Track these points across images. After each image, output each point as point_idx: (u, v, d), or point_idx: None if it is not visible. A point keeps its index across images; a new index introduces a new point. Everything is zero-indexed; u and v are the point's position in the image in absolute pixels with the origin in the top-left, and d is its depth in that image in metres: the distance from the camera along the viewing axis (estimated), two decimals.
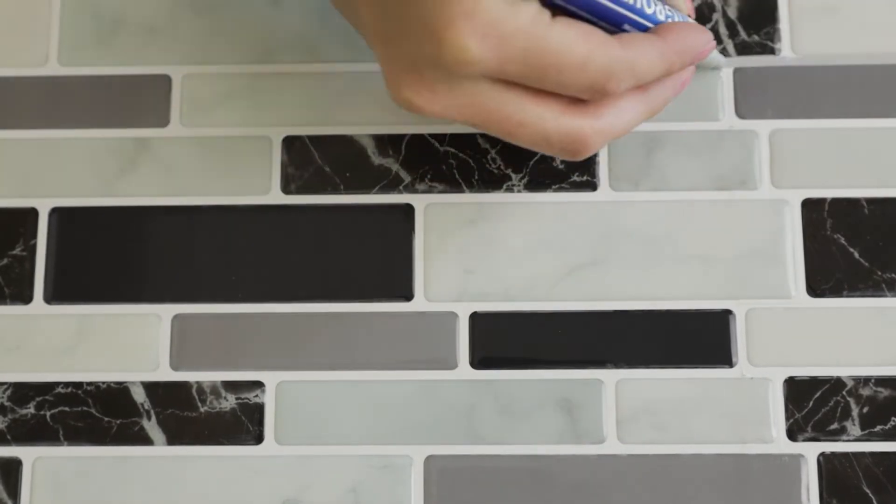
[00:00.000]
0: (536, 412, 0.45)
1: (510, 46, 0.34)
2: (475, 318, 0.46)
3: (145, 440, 0.45)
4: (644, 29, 0.39)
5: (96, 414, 0.46)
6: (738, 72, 0.47)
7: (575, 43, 0.34)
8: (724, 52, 0.48)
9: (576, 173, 0.47)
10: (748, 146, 0.47)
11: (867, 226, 0.46)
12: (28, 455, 0.45)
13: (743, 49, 0.48)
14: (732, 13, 0.48)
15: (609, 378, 0.45)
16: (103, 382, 0.46)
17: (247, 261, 0.47)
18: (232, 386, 0.46)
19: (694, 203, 0.47)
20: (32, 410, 0.46)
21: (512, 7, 0.34)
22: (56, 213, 0.47)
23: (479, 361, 0.46)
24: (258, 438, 0.45)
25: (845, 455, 0.45)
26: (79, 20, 0.49)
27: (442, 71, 0.35)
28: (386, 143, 0.47)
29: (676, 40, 0.38)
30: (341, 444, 0.45)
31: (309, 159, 0.47)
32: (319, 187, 0.47)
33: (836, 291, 0.46)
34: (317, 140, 0.48)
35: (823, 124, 0.47)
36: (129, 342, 0.46)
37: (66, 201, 0.47)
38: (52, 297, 0.47)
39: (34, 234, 0.47)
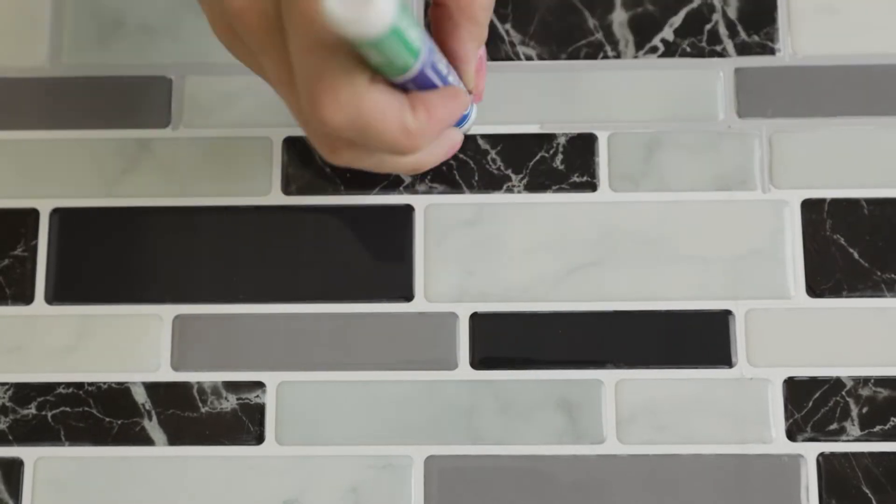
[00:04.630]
0: (536, 412, 0.45)
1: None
2: (475, 318, 0.46)
3: (146, 440, 0.46)
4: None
5: (97, 414, 0.46)
6: (738, 72, 0.47)
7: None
8: (724, 52, 0.48)
9: (576, 173, 0.47)
10: (748, 146, 0.47)
11: (867, 226, 0.46)
12: (29, 455, 0.46)
13: (743, 49, 0.48)
14: (732, 13, 0.48)
15: (609, 378, 0.45)
16: (104, 383, 0.46)
17: (247, 261, 0.47)
18: (232, 386, 0.46)
19: (694, 203, 0.47)
20: (34, 411, 0.46)
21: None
22: (57, 213, 0.47)
23: (479, 361, 0.46)
24: (259, 438, 0.45)
25: (845, 455, 0.45)
26: (79, 20, 0.49)
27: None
28: None
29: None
30: (341, 444, 0.45)
31: (309, 159, 0.47)
32: (319, 187, 0.47)
33: (835, 292, 0.46)
34: None
35: (823, 124, 0.47)
36: (130, 342, 0.46)
37: (66, 202, 0.47)
38: (54, 297, 0.47)
39: (35, 235, 0.47)
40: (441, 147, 0.43)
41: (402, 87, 0.37)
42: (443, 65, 0.38)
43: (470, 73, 0.42)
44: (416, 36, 0.35)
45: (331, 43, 0.35)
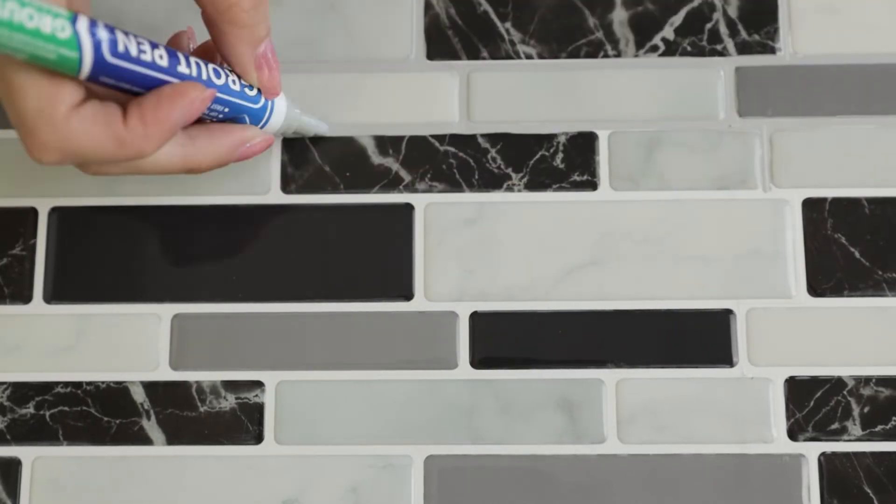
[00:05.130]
0: (536, 412, 0.45)
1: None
2: (475, 318, 0.46)
3: (145, 440, 0.45)
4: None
5: (96, 414, 0.46)
6: (738, 71, 0.47)
7: None
8: (724, 51, 0.48)
9: (576, 173, 0.47)
10: (749, 145, 0.47)
11: (868, 225, 0.46)
12: (27, 455, 0.45)
13: (743, 48, 0.48)
14: (733, 12, 0.48)
15: (609, 378, 0.45)
16: (103, 382, 0.46)
17: (247, 261, 0.47)
18: (232, 386, 0.46)
19: (694, 202, 0.46)
20: (32, 410, 0.46)
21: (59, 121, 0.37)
22: (56, 212, 0.47)
23: (479, 361, 0.46)
24: (258, 438, 0.45)
25: (846, 455, 0.44)
26: None
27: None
28: (386, 142, 0.47)
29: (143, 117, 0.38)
30: (341, 444, 0.45)
31: (309, 159, 0.47)
32: (319, 187, 0.47)
33: (836, 291, 0.46)
34: (317, 140, 0.48)
35: (824, 123, 0.47)
36: (128, 342, 0.46)
37: (65, 201, 0.47)
38: (52, 296, 0.47)
39: (34, 234, 0.47)
40: (220, 146, 0.42)
41: (105, 84, 0.37)
42: (154, 54, 0.38)
43: (249, 75, 0.42)
44: (54, 24, 0.34)
45: (6, 59, 0.35)
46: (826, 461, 0.44)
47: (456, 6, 0.48)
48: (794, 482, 0.44)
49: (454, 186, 0.47)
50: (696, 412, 0.45)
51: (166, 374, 0.46)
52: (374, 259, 0.46)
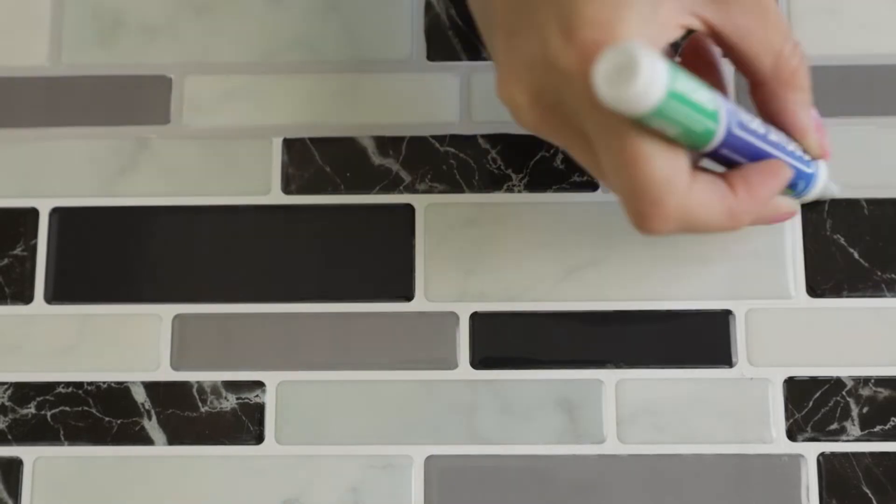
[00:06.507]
0: (536, 412, 0.45)
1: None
2: (475, 318, 0.46)
3: (146, 440, 0.46)
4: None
5: (97, 414, 0.46)
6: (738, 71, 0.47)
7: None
8: None
9: (576, 173, 0.47)
10: None
11: (867, 226, 0.46)
12: (28, 455, 0.46)
13: None
14: None
15: (609, 378, 0.45)
16: (104, 382, 0.46)
17: (247, 261, 0.47)
18: (232, 386, 0.46)
19: None
20: (33, 410, 0.46)
21: None
22: (56, 212, 0.47)
23: (479, 361, 0.46)
24: (258, 438, 0.45)
25: (845, 455, 0.45)
26: (79, 20, 0.49)
27: (552, 80, 0.36)
28: (386, 143, 0.47)
29: (750, 198, 0.38)
30: (341, 444, 0.45)
31: (309, 159, 0.47)
32: (319, 187, 0.47)
33: (835, 292, 0.46)
34: (317, 140, 0.48)
35: (823, 124, 0.47)
36: (129, 342, 0.46)
37: (66, 201, 0.47)
38: (53, 296, 0.47)
39: (35, 234, 0.47)
40: (766, 215, 0.42)
41: (715, 156, 0.37)
42: (756, 123, 0.38)
43: (812, 142, 0.41)
44: (707, 97, 0.34)
45: (626, 127, 0.34)
46: (825, 461, 0.44)
47: (456, 7, 0.48)
48: (793, 482, 0.44)
49: (454, 187, 0.47)
50: (695, 412, 0.45)
51: (167, 374, 0.46)
52: (375, 259, 0.46)
